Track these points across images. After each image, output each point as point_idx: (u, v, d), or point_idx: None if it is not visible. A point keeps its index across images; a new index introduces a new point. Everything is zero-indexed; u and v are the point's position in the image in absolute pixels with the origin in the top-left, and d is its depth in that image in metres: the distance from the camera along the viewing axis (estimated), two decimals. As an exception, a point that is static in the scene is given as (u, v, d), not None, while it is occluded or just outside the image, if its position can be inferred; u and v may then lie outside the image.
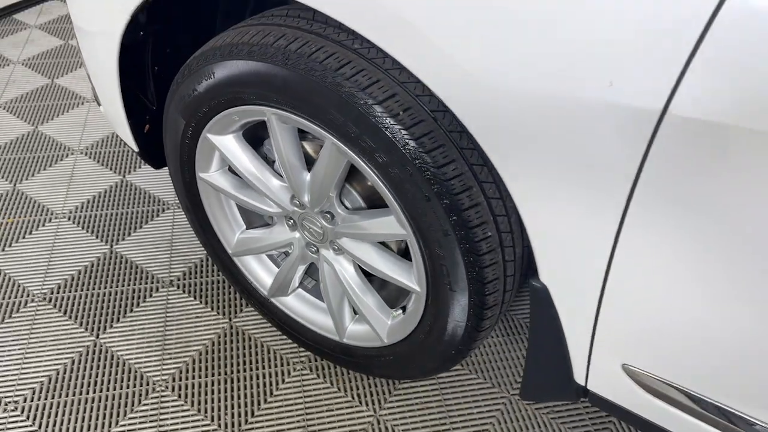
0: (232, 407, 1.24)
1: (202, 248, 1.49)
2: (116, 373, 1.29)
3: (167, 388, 1.26)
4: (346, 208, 1.04)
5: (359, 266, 1.11)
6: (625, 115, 0.63)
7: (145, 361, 1.31)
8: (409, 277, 0.99)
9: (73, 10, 1.21)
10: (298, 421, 1.22)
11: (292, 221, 1.13)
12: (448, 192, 0.81)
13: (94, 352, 1.32)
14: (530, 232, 0.78)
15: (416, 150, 0.81)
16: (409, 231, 0.90)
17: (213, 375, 1.29)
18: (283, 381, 1.29)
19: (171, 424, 1.21)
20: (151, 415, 1.22)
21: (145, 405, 1.24)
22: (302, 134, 1.05)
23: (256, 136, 1.13)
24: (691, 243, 0.66)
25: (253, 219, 1.28)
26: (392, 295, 1.18)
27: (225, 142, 1.08)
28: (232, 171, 1.15)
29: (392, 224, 0.93)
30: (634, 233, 0.69)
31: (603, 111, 0.64)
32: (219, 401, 1.25)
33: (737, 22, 0.55)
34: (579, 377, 0.90)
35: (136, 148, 1.31)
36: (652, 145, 0.63)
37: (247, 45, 0.90)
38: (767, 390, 0.72)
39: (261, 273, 1.29)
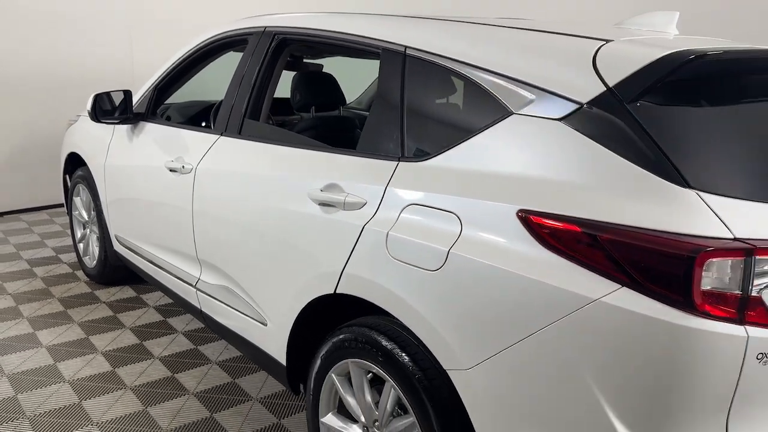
0: None
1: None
2: None
3: None
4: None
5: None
6: None
7: None
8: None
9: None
10: None
11: (89, 224, 3.78)
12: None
13: None
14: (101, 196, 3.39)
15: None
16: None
17: None
18: None
19: None
20: None
21: None
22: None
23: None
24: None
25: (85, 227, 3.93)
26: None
27: (76, 200, 3.83)
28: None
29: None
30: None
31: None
32: None
33: None
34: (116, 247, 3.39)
35: (65, 203, 4.09)
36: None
37: (80, 177, 3.71)
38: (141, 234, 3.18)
39: (81, 248, 3.89)
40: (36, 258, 4.23)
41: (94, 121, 2.94)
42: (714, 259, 1.18)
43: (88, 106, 2.89)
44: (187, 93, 3.23)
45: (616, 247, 1.25)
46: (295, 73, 2.73)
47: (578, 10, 3.71)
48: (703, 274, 1.18)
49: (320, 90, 2.82)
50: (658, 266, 1.21)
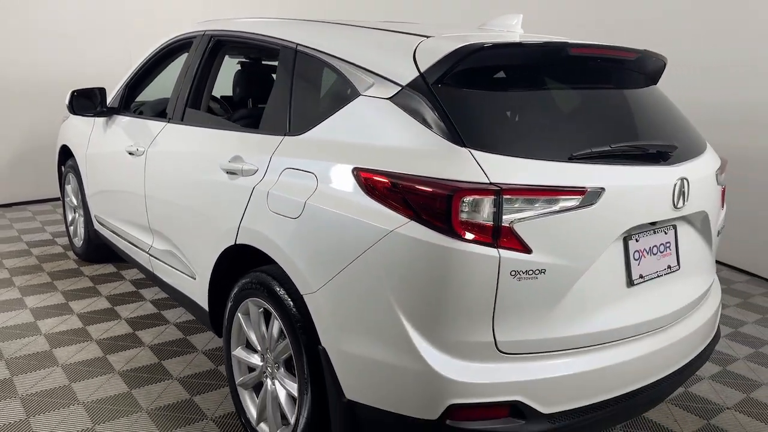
0: None
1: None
2: None
3: None
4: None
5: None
6: None
7: None
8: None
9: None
10: None
11: (77, 208, 4.25)
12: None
13: None
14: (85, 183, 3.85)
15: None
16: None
17: None
18: None
19: None
20: None
21: None
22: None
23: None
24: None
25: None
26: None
27: (67, 187, 4.31)
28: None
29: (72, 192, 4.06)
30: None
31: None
32: None
33: None
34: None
35: (59, 191, 4.58)
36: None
37: (70, 167, 4.19)
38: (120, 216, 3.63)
39: (71, 230, 4.36)
40: (34, 240, 4.73)
41: (71, 113, 3.40)
42: (469, 197, 1.57)
43: (66, 101, 3.35)
44: (164, 90, 3.69)
45: (406, 191, 1.64)
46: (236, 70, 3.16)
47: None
48: (460, 207, 1.56)
49: (256, 85, 3.25)
50: (430, 203, 1.60)
